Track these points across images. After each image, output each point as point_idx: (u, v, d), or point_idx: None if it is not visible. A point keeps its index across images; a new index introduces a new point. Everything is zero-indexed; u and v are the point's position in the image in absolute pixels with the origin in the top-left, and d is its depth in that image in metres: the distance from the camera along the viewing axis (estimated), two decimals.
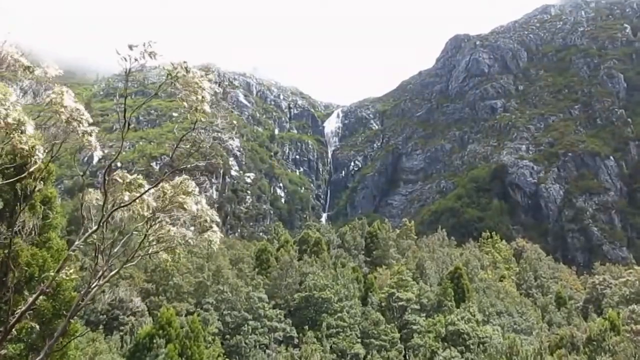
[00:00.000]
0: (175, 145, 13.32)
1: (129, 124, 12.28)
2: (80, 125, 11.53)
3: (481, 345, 75.79)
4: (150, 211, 12.87)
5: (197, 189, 13.15)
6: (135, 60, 11.29)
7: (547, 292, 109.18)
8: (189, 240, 13.05)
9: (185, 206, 12.78)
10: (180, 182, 12.96)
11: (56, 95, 10.63)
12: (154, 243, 13.97)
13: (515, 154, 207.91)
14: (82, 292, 13.17)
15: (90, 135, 11.80)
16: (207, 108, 12.09)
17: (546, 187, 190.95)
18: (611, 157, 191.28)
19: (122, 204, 12.78)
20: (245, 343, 69.35)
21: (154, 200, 12.83)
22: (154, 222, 13.42)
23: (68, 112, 11.26)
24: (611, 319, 64.63)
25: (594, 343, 61.54)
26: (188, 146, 13.95)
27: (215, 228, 13.48)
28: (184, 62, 11.76)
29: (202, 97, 11.98)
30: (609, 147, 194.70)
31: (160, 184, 13.17)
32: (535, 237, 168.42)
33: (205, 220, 13.45)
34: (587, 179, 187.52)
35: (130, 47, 11.24)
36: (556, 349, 66.44)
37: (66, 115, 11.13)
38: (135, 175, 13.13)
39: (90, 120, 11.79)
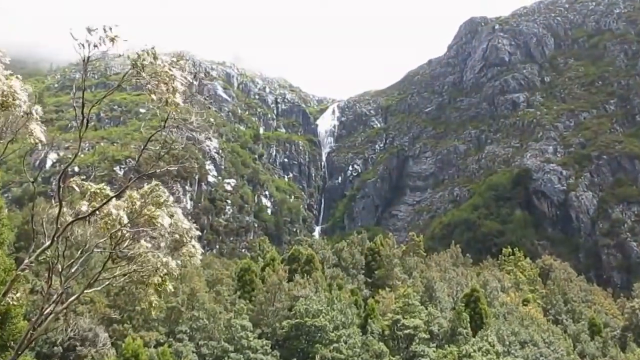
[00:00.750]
0: (142, 147, 13.26)
1: (87, 121, 12.21)
2: (16, 107, 11.43)
3: None
4: (117, 224, 12.78)
5: (170, 198, 13.09)
6: (95, 46, 11.23)
7: (579, 319, 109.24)
8: (172, 267, 12.95)
9: (156, 221, 12.68)
10: (151, 191, 12.88)
11: None
12: (122, 264, 13.89)
13: (540, 157, 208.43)
14: (33, 320, 13.05)
15: (30, 116, 11.66)
16: (179, 100, 12.04)
17: (577, 195, 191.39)
18: None
19: (80, 216, 12.68)
20: None
21: (122, 212, 12.73)
22: (121, 239, 13.31)
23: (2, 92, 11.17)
24: None
25: None
26: (157, 147, 13.88)
27: (194, 243, 13.41)
28: (152, 48, 11.71)
29: (173, 87, 11.93)
30: None
31: (127, 193, 13.06)
32: (565, 254, 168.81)
33: (182, 236, 13.39)
34: (624, 185, 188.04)
35: (89, 30, 11.17)
36: None
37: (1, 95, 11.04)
38: (101, 185, 13.06)
39: (26, 100, 11.67)
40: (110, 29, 11.29)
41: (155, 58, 11.67)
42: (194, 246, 13.39)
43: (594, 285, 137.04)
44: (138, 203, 12.85)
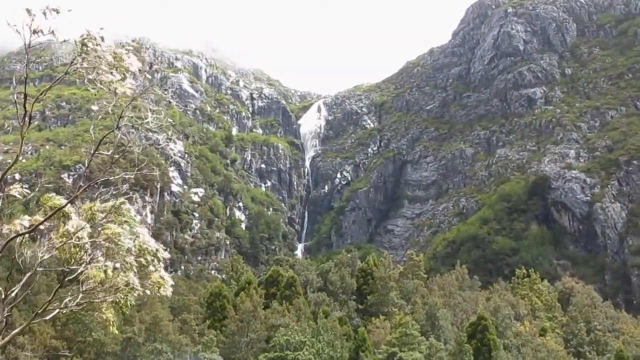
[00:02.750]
0: (93, 150, 13.59)
1: (30, 118, 12.51)
2: None
3: None
4: (76, 246, 13.10)
5: (137, 217, 13.45)
6: (35, 32, 11.54)
7: (604, 351, 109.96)
8: (136, 287, 13.25)
9: (116, 240, 12.99)
10: (117, 208, 13.20)
11: None
12: (73, 288, 14.17)
13: (561, 162, 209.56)
14: None
15: None
16: (127, 90, 12.38)
17: (603, 207, 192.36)
18: None
19: (20, 232, 13.00)
20: None
21: (83, 233, 13.05)
22: (78, 262, 13.61)
23: None
24: None
25: None
26: (111, 151, 14.21)
27: (163, 273, 13.72)
28: (101, 29, 12.07)
29: (123, 75, 12.28)
30: None
31: (87, 205, 13.37)
32: (589, 276, 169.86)
33: (149, 262, 13.70)
34: None
35: (29, 12, 11.49)
36: None
37: None
38: (53, 195, 13.38)
39: None
40: (57, 11, 11.56)
41: (102, 40, 11.97)
42: (162, 277, 13.69)
43: (623, 312, 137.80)
44: (99, 218, 13.16)
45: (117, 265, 13.33)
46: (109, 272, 13.19)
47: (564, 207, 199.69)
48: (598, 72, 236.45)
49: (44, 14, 11.35)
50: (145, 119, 13.36)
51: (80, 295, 13.70)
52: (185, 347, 74.44)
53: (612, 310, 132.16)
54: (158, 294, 14.01)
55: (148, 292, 13.93)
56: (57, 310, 14.62)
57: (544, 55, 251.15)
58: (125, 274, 13.25)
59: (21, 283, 14.29)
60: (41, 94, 13.49)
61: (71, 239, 12.88)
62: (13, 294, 14.14)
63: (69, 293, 14.09)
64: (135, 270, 13.47)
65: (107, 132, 14.35)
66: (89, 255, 13.29)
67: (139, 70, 12.65)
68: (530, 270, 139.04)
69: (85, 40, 11.92)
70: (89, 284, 13.41)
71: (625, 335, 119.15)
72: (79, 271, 13.39)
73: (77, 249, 13.09)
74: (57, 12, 11.47)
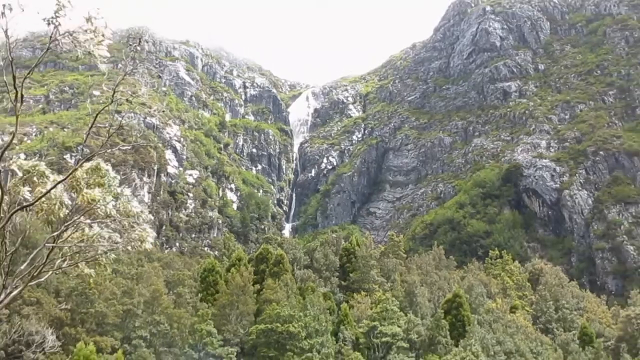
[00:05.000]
0: (90, 124, 13.45)
1: (22, 96, 12.38)
2: None
3: None
4: (57, 206, 12.94)
5: (116, 179, 13.25)
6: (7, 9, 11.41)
7: (570, 327, 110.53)
8: (118, 246, 13.13)
9: (95, 204, 12.85)
10: (93, 169, 13.03)
11: None
12: (70, 253, 14.00)
13: (532, 152, 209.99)
14: None
15: None
16: (104, 52, 12.23)
17: (571, 194, 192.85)
18: None
19: (24, 204, 12.83)
20: None
21: (62, 192, 12.87)
22: (67, 226, 13.47)
23: None
24: None
25: None
26: (107, 127, 14.07)
27: (145, 226, 13.58)
28: (97, 9, 11.93)
29: (102, 37, 12.15)
30: None
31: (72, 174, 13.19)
32: (557, 258, 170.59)
33: (132, 223, 13.56)
34: (622, 184, 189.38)
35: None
36: None
37: None
38: (35, 162, 13.17)
39: None
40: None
41: (105, 26, 11.87)
42: (144, 229, 13.56)
43: (587, 291, 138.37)
44: (82, 182, 13.01)
45: (96, 226, 13.22)
46: (87, 231, 13.06)
47: (534, 193, 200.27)
48: (569, 68, 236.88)
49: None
50: (138, 93, 13.27)
51: (68, 257, 13.57)
52: (184, 321, 74.33)
53: (578, 290, 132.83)
54: (140, 248, 13.90)
55: (130, 247, 13.84)
56: (50, 272, 14.51)
57: (518, 52, 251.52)
58: (106, 232, 13.14)
59: (30, 257, 14.14)
60: (29, 73, 13.37)
61: (52, 201, 12.76)
62: (22, 267, 14.00)
63: (61, 255, 13.96)
64: (117, 228, 13.38)
65: (106, 112, 14.23)
66: (70, 217, 13.19)
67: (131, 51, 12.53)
68: (502, 252, 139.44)
69: (58, 12, 11.87)
70: (72, 245, 13.29)
71: (589, 313, 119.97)
72: (58, 232, 13.26)
73: (57, 208, 12.96)
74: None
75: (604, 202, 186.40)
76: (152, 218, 13.94)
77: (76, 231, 13.54)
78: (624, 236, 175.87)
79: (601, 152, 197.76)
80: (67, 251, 13.87)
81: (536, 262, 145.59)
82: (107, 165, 13.68)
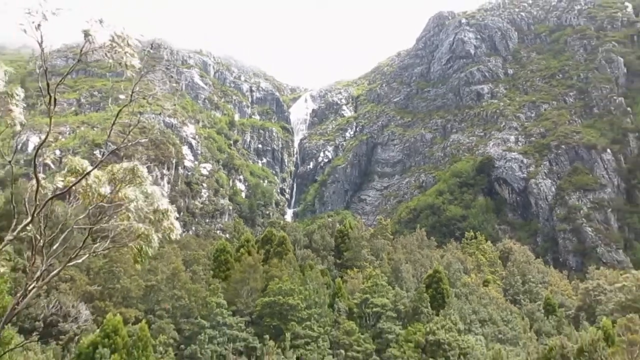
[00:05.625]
0: (112, 121, 13.46)
1: (55, 100, 12.40)
2: None
3: (462, 357, 76.83)
4: (96, 195, 12.92)
5: (149, 179, 13.26)
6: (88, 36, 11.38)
7: (536, 299, 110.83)
8: (152, 236, 13.11)
9: (127, 199, 12.83)
10: (131, 169, 13.05)
11: None
12: (105, 238, 14.00)
13: (503, 146, 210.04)
14: (17, 295, 13.18)
15: (10, 97, 11.80)
16: (135, 63, 12.23)
17: (536, 182, 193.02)
18: (608, 150, 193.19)
19: (57, 192, 12.81)
20: (201, 353, 69.50)
21: (103, 180, 12.85)
22: (100, 212, 13.46)
23: None
24: (605, 329, 66.01)
25: (586, 354, 62.75)
26: (130, 126, 14.08)
27: (173, 220, 13.59)
28: (124, 30, 11.91)
29: (132, 53, 12.13)
30: (606, 139, 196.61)
31: (108, 168, 13.19)
32: (524, 238, 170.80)
33: (160, 217, 13.56)
34: (581, 174, 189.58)
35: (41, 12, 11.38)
36: None
37: None
38: (79, 159, 13.15)
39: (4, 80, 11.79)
40: (101, 21, 11.53)
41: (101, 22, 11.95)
42: (172, 223, 13.60)
43: (551, 267, 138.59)
44: (119, 176, 13.01)
45: (133, 216, 13.23)
46: (132, 220, 13.07)
47: (504, 182, 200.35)
48: (534, 72, 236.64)
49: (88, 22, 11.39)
50: (154, 93, 13.29)
51: (108, 242, 13.57)
52: (198, 294, 74.58)
53: (542, 266, 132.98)
54: (169, 237, 13.91)
55: (160, 235, 13.88)
56: (86, 255, 14.52)
57: (490, 58, 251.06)
58: (143, 224, 13.14)
59: (60, 239, 14.12)
60: (62, 80, 13.40)
61: (93, 188, 12.77)
62: (54, 247, 13.98)
63: (98, 241, 13.96)
64: (150, 221, 13.40)
65: (129, 112, 14.22)
66: (112, 209, 13.22)
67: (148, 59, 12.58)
68: (476, 233, 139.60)
69: (89, 30, 11.96)
70: (116, 231, 13.29)
71: (552, 286, 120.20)
72: (103, 224, 13.25)
73: (98, 198, 12.96)
74: (101, 22, 11.48)
75: (565, 189, 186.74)
76: (177, 215, 13.98)
77: (110, 220, 13.55)
78: (583, 219, 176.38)
79: (563, 146, 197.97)
80: (107, 238, 13.87)
81: (506, 242, 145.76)
82: (143, 167, 13.70)
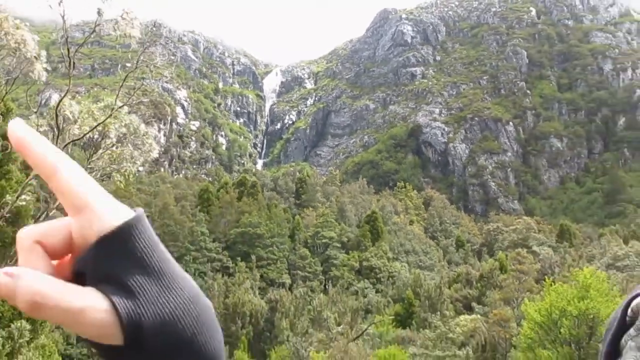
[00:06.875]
0: (120, 84, 13.19)
1: (74, 63, 12.09)
2: (26, 50, 11.24)
3: (391, 279, 78.10)
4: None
5: (124, 110, 12.97)
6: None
7: (449, 236, 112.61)
8: (136, 161, 12.90)
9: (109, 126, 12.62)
10: (107, 105, 12.80)
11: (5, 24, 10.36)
12: (106, 164, 13.79)
13: (429, 116, 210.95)
14: (39, 217, 12.95)
15: (37, 59, 11.49)
16: (136, 33, 11.95)
17: (454, 146, 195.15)
18: (511, 123, 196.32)
19: (74, 138, 12.54)
20: (186, 270, 68.97)
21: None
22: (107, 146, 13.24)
23: (15, 39, 10.97)
24: (500, 260, 67.72)
25: (485, 279, 64.49)
26: (135, 87, 13.80)
27: (151, 141, 13.31)
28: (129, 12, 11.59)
29: (132, 24, 11.87)
30: (510, 114, 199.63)
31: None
32: (443, 189, 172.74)
33: (142, 140, 13.35)
34: (489, 140, 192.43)
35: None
36: (454, 283, 69.25)
37: (14, 42, 10.86)
38: (89, 102, 12.87)
39: (35, 47, 11.49)
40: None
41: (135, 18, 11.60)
42: (150, 144, 13.42)
43: (462, 212, 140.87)
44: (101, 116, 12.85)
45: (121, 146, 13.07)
46: (115, 150, 12.92)
47: (429, 145, 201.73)
48: (457, 60, 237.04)
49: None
50: (154, 62, 13.06)
51: (100, 164, 13.40)
52: (185, 224, 74.17)
53: (456, 211, 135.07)
54: (149, 158, 13.74)
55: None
56: (92, 174, 14.25)
57: (423, 47, 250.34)
58: (127, 150, 13.01)
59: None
60: (78, 48, 13.15)
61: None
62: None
63: (100, 160, 13.73)
64: (133, 142, 13.26)
65: (133, 77, 13.89)
66: (98, 141, 13.07)
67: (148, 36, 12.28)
68: (406, 184, 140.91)
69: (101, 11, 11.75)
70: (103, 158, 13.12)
71: (462, 227, 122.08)
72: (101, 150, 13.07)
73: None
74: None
75: (476, 152, 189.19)
76: (162, 144, 13.84)
77: (106, 151, 13.35)
78: (488, 176, 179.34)
79: (476, 118, 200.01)
80: (101, 166, 13.67)
81: (428, 192, 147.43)
82: (121, 104, 13.47)
